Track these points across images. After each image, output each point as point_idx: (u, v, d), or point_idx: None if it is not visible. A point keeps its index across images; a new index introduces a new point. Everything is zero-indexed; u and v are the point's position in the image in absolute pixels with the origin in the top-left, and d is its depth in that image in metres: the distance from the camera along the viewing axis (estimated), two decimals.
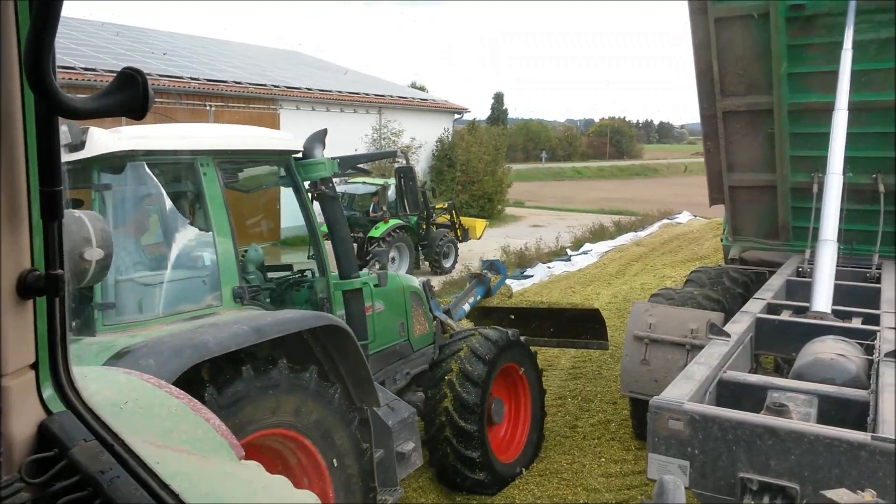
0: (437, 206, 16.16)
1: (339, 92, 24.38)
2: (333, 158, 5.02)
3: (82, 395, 1.14)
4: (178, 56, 23.71)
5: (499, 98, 64.21)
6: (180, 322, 3.78)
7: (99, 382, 1.33)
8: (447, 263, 15.39)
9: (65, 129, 3.59)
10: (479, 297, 7.45)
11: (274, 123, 20.55)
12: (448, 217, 16.14)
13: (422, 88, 40.17)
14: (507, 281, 8.52)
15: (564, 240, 19.32)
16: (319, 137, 5.03)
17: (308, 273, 5.11)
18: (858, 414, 3.39)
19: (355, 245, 11.97)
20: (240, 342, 3.45)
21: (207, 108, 19.65)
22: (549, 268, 15.73)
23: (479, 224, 17.53)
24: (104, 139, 3.68)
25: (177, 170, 4.23)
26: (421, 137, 25.96)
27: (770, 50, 6.62)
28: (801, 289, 6.20)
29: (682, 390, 3.35)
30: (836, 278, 5.42)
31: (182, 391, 1.49)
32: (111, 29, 25.91)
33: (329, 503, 3.92)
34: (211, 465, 1.35)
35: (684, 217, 23.98)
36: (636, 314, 5.83)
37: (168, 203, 4.16)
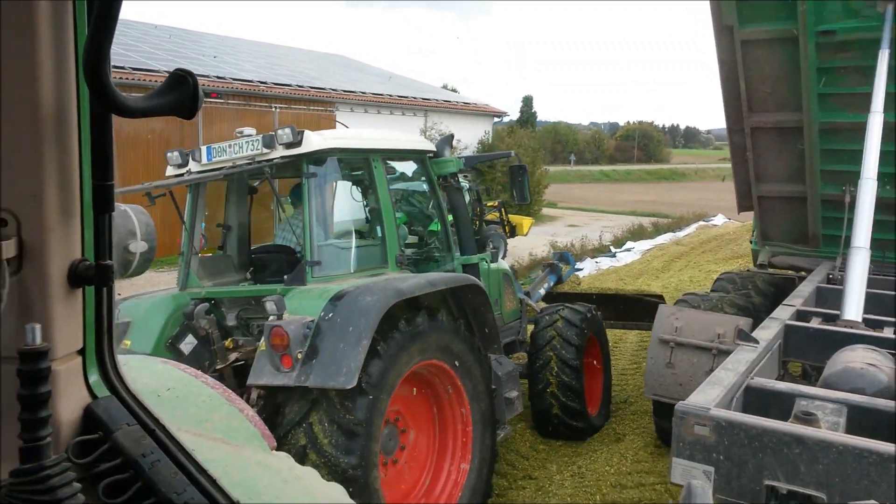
0: (487, 205, 17.49)
1: (390, 95, 26.15)
2: (459, 157, 6.33)
3: (126, 381, 1.18)
4: (236, 59, 25.23)
5: (528, 101, 64.42)
6: (364, 277, 4.98)
7: (138, 370, 1.38)
8: (498, 257, 16.29)
9: (287, 131, 4.90)
10: (552, 284, 8.44)
11: (331, 124, 21.92)
12: (498, 215, 16.85)
13: (453, 90, 40.61)
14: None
15: (606, 238, 20.38)
16: (448, 141, 6.43)
17: (434, 249, 6.18)
18: (889, 425, 3.35)
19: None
20: (422, 289, 4.71)
21: (273, 109, 20.99)
22: (596, 262, 16.81)
23: (525, 221, 18.69)
24: (314, 139, 4.91)
25: (358, 163, 5.49)
26: (463, 140, 27.23)
27: (799, 70, 6.50)
28: (831, 296, 6.13)
29: (709, 396, 3.34)
30: (868, 286, 5.34)
31: (217, 382, 1.54)
32: (164, 31, 27.25)
33: (468, 428, 5.03)
34: (244, 455, 1.39)
35: (720, 219, 24.39)
36: (661, 317, 5.78)
37: (353, 188, 5.79)
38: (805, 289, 6.29)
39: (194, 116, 1.03)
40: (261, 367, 4.30)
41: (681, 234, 22.07)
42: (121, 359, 1.21)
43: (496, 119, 32.26)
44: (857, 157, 5.92)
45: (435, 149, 6.06)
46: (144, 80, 18.02)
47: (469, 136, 27.68)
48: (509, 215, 17.81)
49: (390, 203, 5.40)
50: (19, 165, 0.99)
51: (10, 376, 0.96)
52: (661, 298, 8.39)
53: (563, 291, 8.59)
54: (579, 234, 20.37)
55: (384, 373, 4.32)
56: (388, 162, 5.69)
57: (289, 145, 4.86)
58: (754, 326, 5.16)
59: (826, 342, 4.64)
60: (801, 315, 5.40)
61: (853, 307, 5.06)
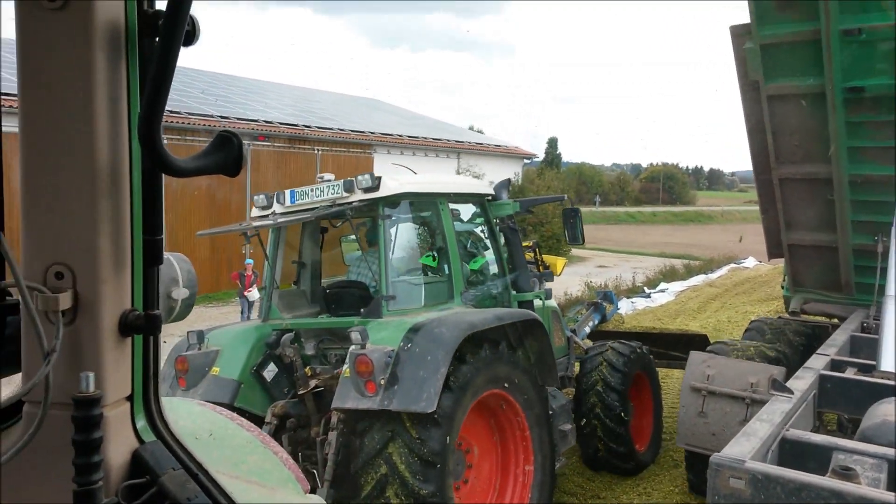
0: (522, 244, 17.93)
1: (424, 138, 27.30)
2: (515, 201, 6.75)
3: (170, 425, 1.22)
4: (280, 103, 26.52)
5: (552, 143, 65.47)
6: (433, 311, 5.35)
7: (177, 413, 1.41)
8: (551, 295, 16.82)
9: (367, 177, 5.40)
10: (597, 322, 8.72)
11: (369, 166, 23.36)
12: (532, 255, 17.45)
13: (479, 131, 41.47)
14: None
15: (639, 279, 20.81)
16: (505, 185, 6.83)
17: (492, 286, 6.48)
18: None
19: None
20: (491, 323, 5.10)
21: (316, 152, 22.24)
22: (632, 302, 17.10)
23: (559, 262, 18.78)
24: (390, 184, 5.43)
25: (427, 206, 5.96)
26: (494, 181, 27.48)
27: (827, 123, 6.44)
28: (866, 345, 6.00)
29: (744, 448, 3.28)
30: None
31: (252, 424, 1.56)
32: (210, 76, 28.46)
33: (529, 456, 5.32)
34: (279, 497, 1.42)
35: (751, 262, 24.50)
36: (693, 364, 5.72)
37: (423, 228, 6.22)
38: (839, 337, 6.17)
39: (238, 174, 1.08)
40: (345, 392, 4.67)
41: (713, 276, 22.33)
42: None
43: (526, 161, 33.23)
44: (888, 207, 5.84)
45: (493, 192, 6.62)
46: (200, 123, 18.93)
47: (499, 177, 28.07)
48: (543, 255, 18.89)
49: (456, 243, 5.89)
50: (75, 220, 1.05)
51: (64, 422, 1.00)
52: (704, 337, 8.48)
53: (607, 330, 8.79)
54: (611, 275, 20.68)
55: (456, 402, 4.67)
56: (455, 205, 6.20)
57: (367, 189, 5.37)
58: (788, 375, 5.08)
59: (863, 393, 4.54)
60: (836, 365, 5.29)
61: (890, 357, 4.95)
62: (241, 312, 16.03)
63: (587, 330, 8.52)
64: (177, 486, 1.11)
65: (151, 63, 0.97)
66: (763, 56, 6.39)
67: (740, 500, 2.99)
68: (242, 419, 1.56)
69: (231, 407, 5.15)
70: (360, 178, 5.43)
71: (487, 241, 6.64)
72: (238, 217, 20.10)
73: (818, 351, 5.66)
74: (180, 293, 1.31)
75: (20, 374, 1.10)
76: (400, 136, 26.30)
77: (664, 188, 78.89)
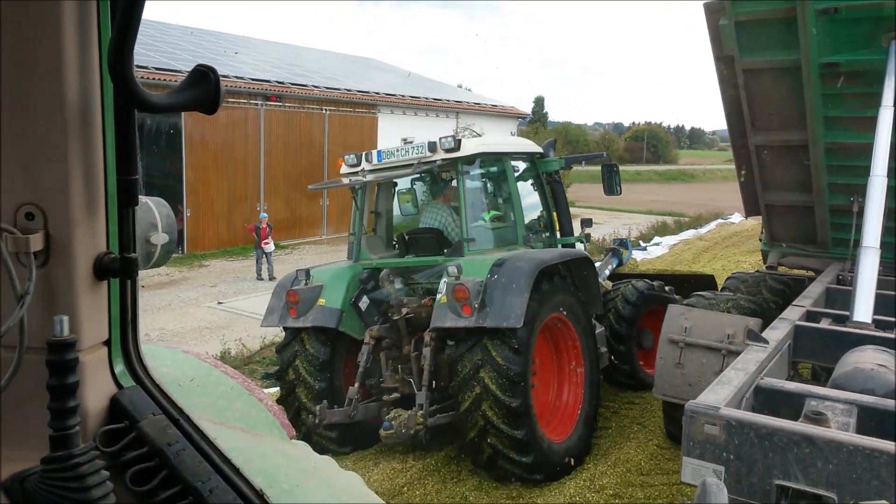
0: None
1: (426, 98, 27.59)
2: (560, 158, 7.63)
3: (150, 371, 1.17)
4: (298, 62, 27.03)
5: (539, 102, 64.82)
6: (503, 251, 6.27)
7: (158, 360, 1.37)
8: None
9: (449, 139, 6.28)
10: (614, 265, 9.55)
11: (373, 125, 24.12)
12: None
13: (468, 90, 41.34)
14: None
15: (633, 233, 21.52)
16: (551, 144, 7.90)
17: (542, 231, 7.43)
18: None
19: None
20: (555, 259, 6.16)
21: (324, 112, 22.57)
22: (630, 255, 17.68)
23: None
24: (468, 145, 6.35)
25: (494, 163, 6.86)
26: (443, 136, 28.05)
27: (802, 93, 6.33)
28: (841, 297, 6.04)
29: (719, 395, 3.30)
30: (878, 287, 5.23)
31: (237, 372, 1.53)
32: (198, 33, 28.49)
33: (580, 362, 6.31)
34: (264, 444, 1.39)
35: (736, 217, 24.80)
36: (671, 317, 5.68)
37: (493, 182, 7.06)
38: (815, 289, 6.20)
39: (216, 112, 1.01)
40: (443, 315, 5.67)
41: (702, 230, 22.97)
42: (144, 349, 1.21)
43: (520, 120, 33.33)
44: (864, 170, 5.75)
45: (542, 151, 7.47)
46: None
47: (497, 135, 29.06)
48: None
49: (518, 194, 6.82)
50: (45, 160, 0.99)
51: (39, 367, 0.95)
52: (711, 277, 9.22)
53: (624, 272, 9.77)
54: (605, 230, 21.08)
55: (533, 320, 5.64)
56: (515, 161, 7.12)
57: (449, 150, 6.24)
58: (764, 327, 5.10)
59: (836, 343, 4.57)
60: (811, 316, 5.33)
61: (863, 308, 4.98)
62: (257, 261, 16.30)
63: (607, 272, 9.17)
64: (157, 431, 1.07)
65: None
66: (738, 32, 6.24)
67: (715, 446, 3.03)
68: (227, 367, 1.53)
69: (336, 331, 6.34)
70: (443, 140, 6.29)
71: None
72: (252, 173, 20.36)
73: (794, 302, 5.69)
74: (159, 238, 1.25)
75: None
76: (402, 96, 26.36)
77: (648, 147, 78.58)
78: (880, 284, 5.33)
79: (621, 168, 8.78)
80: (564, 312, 6.11)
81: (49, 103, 0.97)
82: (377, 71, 33.01)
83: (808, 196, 7.23)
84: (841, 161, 6.72)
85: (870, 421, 3.38)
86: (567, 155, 10.20)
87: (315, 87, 23.05)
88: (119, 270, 1.07)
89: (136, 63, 0.96)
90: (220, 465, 1.07)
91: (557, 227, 7.48)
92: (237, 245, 19.79)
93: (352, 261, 6.91)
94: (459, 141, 6.25)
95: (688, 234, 22.40)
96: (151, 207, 1.26)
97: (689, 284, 8.78)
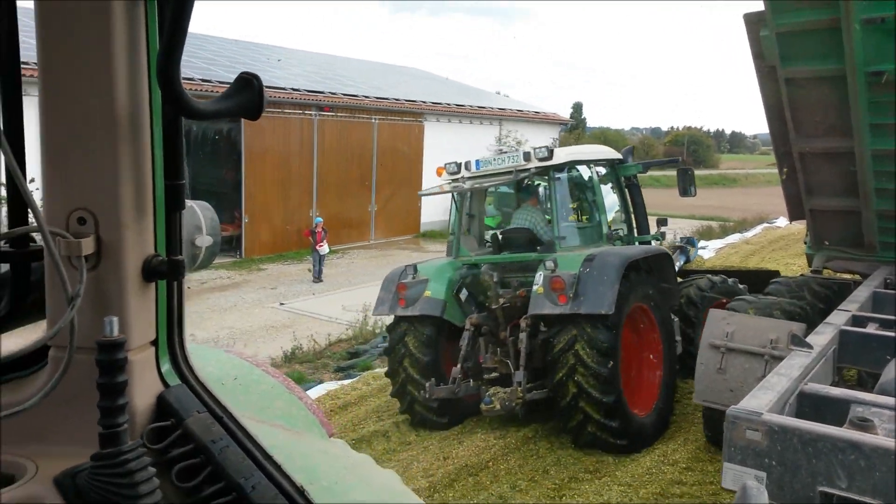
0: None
1: (471, 106, 27.55)
2: (637, 163, 8.28)
3: (195, 370, 1.18)
4: (346, 73, 27.44)
5: (578, 108, 63.96)
6: (590, 249, 6.74)
7: (202, 359, 1.38)
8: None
9: (543, 149, 6.90)
10: (682, 262, 9.72)
11: (421, 134, 24.38)
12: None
13: (506, 96, 41.21)
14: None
15: (679, 238, 21.00)
16: (629, 151, 8.41)
17: (621, 230, 7.95)
18: None
19: None
20: (639, 255, 6.68)
21: (373, 121, 22.85)
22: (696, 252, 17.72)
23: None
24: (560, 153, 7.02)
25: (581, 170, 7.50)
26: (537, 145, 27.82)
27: (847, 101, 6.02)
28: (888, 301, 5.76)
29: (761, 401, 3.17)
30: None
31: (278, 371, 1.54)
32: (270, 49, 29.33)
33: (658, 346, 6.75)
34: (304, 441, 1.38)
35: (782, 222, 24.08)
36: (713, 322, 5.49)
37: (580, 187, 7.60)
38: (861, 294, 5.94)
39: (259, 117, 1.00)
40: (540, 304, 6.24)
41: (748, 234, 22.33)
42: (189, 349, 1.22)
43: (561, 127, 32.83)
44: None
45: (622, 157, 8.09)
46: (273, 96, 19.46)
47: (537, 143, 28.66)
48: None
49: (602, 197, 7.47)
50: (96, 166, 1.00)
51: (89, 366, 0.96)
52: (777, 272, 9.32)
53: (691, 269, 10.09)
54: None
55: (621, 307, 6.11)
56: (598, 167, 7.73)
57: (542, 159, 6.89)
58: (808, 332, 4.91)
59: (883, 348, 4.36)
60: (857, 320, 5.09)
61: None
62: (313, 265, 16.67)
63: (676, 267, 9.46)
64: (201, 429, 1.07)
65: (169, 2, 0.90)
66: (779, 42, 5.96)
67: (757, 451, 2.91)
68: (268, 366, 1.54)
69: (440, 319, 6.95)
70: (537, 150, 6.93)
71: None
72: (304, 178, 20.74)
73: (840, 307, 5.45)
74: (204, 240, 1.26)
75: (45, 322, 1.07)
76: (448, 104, 26.44)
77: (689, 151, 76.80)
78: None
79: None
80: (647, 303, 6.62)
81: (99, 110, 0.98)
82: (421, 80, 33.17)
83: (853, 201, 6.92)
84: (888, 167, 6.41)
85: None
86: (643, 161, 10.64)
87: (365, 97, 23.30)
88: (166, 272, 1.08)
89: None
90: (262, 462, 1.06)
91: (635, 226, 8.07)
92: (290, 250, 20.13)
93: (451, 257, 7.60)
94: (552, 151, 6.92)
95: (733, 237, 21.82)
96: (196, 211, 1.28)
97: (756, 280, 8.91)
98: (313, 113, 21.01)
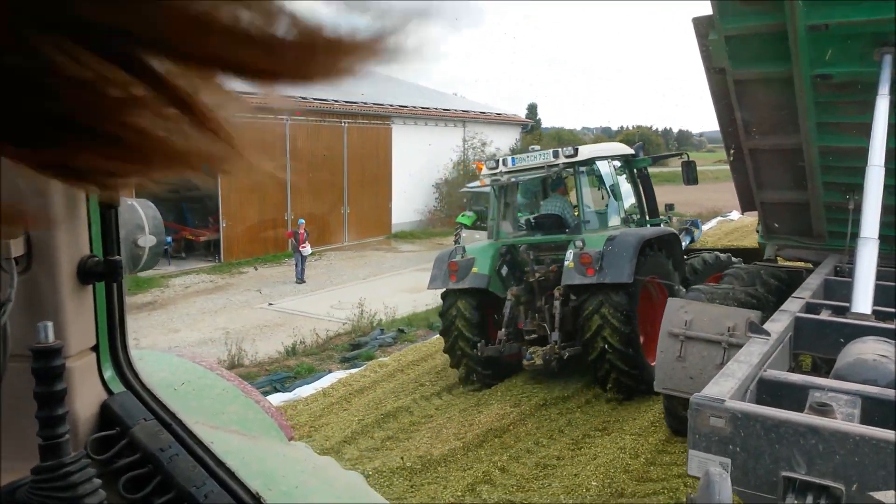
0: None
1: (436, 109, 27.47)
2: (648, 157, 9.76)
3: (140, 376, 1.10)
4: None
5: (532, 108, 64.19)
6: (610, 231, 7.87)
7: (152, 364, 1.29)
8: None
9: (569, 149, 8.06)
10: (687, 242, 10.67)
11: (388, 136, 24.26)
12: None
13: (462, 97, 41.30)
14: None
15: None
16: (640, 147, 9.72)
17: (634, 214, 9.16)
18: None
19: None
20: (653, 235, 7.80)
21: (343, 125, 22.71)
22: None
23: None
24: (583, 151, 8.17)
25: (601, 164, 8.54)
26: (498, 145, 28.64)
27: (795, 100, 6.06)
28: (840, 288, 5.80)
29: (723, 388, 3.13)
30: (877, 278, 4.98)
31: (232, 374, 1.43)
32: None
33: None
34: (261, 446, 1.31)
35: (735, 215, 24.54)
36: (671, 311, 5.44)
37: (601, 179, 8.63)
38: (813, 281, 5.99)
39: None
40: (572, 276, 7.31)
41: (705, 227, 22.58)
42: (136, 354, 1.14)
43: (523, 128, 33.00)
44: (858, 171, 5.47)
45: (634, 152, 9.22)
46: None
47: (500, 144, 29.05)
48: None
49: (619, 186, 8.66)
50: None
51: (25, 375, 0.88)
52: (758, 250, 9.89)
53: (696, 247, 11.19)
54: None
55: (636, 280, 7.11)
56: (613, 162, 8.87)
57: (569, 156, 8.01)
58: (764, 319, 4.91)
59: (837, 334, 4.38)
60: (811, 307, 5.11)
61: (863, 299, 4.75)
62: (296, 265, 16.45)
63: (682, 246, 10.24)
64: (149, 437, 1.00)
65: None
66: (728, 46, 5.96)
67: (720, 438, 2.87)
68: (222, 369, 1.43)
69: (486, 291, 7.96)
70: (564, 150, 8.09)
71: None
72: (279, 184, 20.37)
73: (793, 294, 5.47)
74: (147, 240, 1.15)
75: None
76: (414, 107, 26.32)
77: (644, 150, 77.88)
78: (879, 275, 5.09)
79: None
80: (658, 276, 7.73)
81: None
82: (384, 83, 33.32)
83: (802, 194, 7.00)
84: (835, 162, 6.49)
85: (873, 411, 3.20)
86: (652, 155, 11.92)
87: (335, 101, 23.10)
88: (103, 274, 1.00)
89: None
90: (214, 470, 0.99)
91: (647, 211, 9.22)
92: (268, 253, 20.01)
93: (492, 239, 8.61)
94: (577, 149, 8.10)
95: None
96: (138, 209, 1.17)
97: (746, 255, 9.59)
98: (285, 118, 20.76)
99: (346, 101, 23.54)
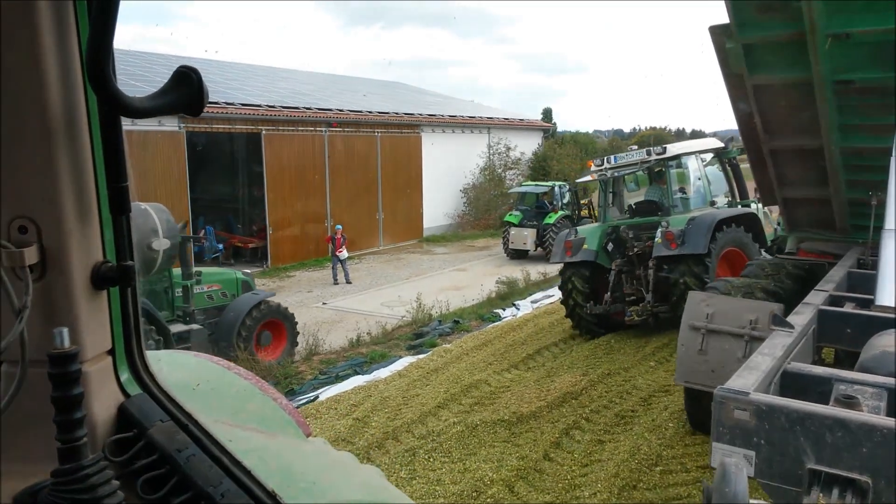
0: (582, 202, 20.67)
1: (463, 116, 27.71)
2: (735, 148, 10.30)
3: (157, 378, 1.07)
4: (354, 90, 27.73)
5: (548, 113, 63.34)
6: (696, 212, 9.47)
7: (170, 365, 1.26)
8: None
9: (660, 148, 9.74)
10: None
11: (419, 144, 24.49)
12: (587, 211, 20.23)
13: (478, 104, 41.23)
14: None
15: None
16: (728, 140, 10.74)
17: (720, 199, 10.88)
18: None
19: (534, 231, 19.36)
20: (728, 215, 9.28)
21: (376, 134, 23.01)
22: None
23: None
24: (673, 148, 9.86)
25: (687, 159, 10.14)
26: (523, 149, 29.00)
27: (815, 104, 5.77)
28: (862, 281, 5.53)
29: (747, 381, 2.99)
30: None
31: (250, 372, 1.40)
32: (246, 68, 28.65)
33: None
34: (280, 443, 1.27)
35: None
36: (693, 304, 5.24)
37: (688, 171, 10.26)
38: (836, 274, 5.72)
39: (201, 113, 0.89)
40: (660, 249, 8.92)
41: None
42: (152, 355, 1.11)
43: (544, 132, 32.84)
44: (881, 169, 5.19)
45: (724, 144, 10.60)
46: (290, 115, 19.59)
47: (524, 148, 29.19)
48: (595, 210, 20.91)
49: (705, 175, 10.29)
50: (34, 172, 0.89)
51: (43, 380, 0.86)
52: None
53: None
54: None
55: (710, 251, 8.67)
56: (702, 157, 10.54)
57: (659, 154, 9.55)
58: (786, 312, 4.71)
59: (861, 327, 4.16)
60: (835, 300, 4.88)
61: (887, 292, 4.49)
62: (333, 268, 16.66)
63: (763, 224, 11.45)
64: (166, 438, 0.98)
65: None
66: (746, 53, 5.71)
67: (745, 431, 2.74)
68: (240, 368, 1.39)
69: (595, 263, 9.87)
70: (655, 148, 9.61)
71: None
72: (319, 190, 20.75)
73: (817, 287, 5.23)
74: (161, 243, 1.13)
75: None
76: (442, 115, 26.42)
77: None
78: None
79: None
80: (737, 246, 9.09)
81: (31, 113, 0.87)
82: (410, 93, 33.38)
83: (824, 191, 6.71)
84: (858, 161, 6.20)
85: None
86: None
87: (369, 112, 23.32)
88: (117, 279, 0.98)
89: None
90: (231, 469, 0.96)
91: (737, 194, 10.57)
92: (311, 258, 20.22)
93: (600, 222, 10.47)
94: (665, 147, 9.62)
95: None
96: (152, 213, 1.14)
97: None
98: (324, 129, 21.02)
99: (379, 112, 23.85)
